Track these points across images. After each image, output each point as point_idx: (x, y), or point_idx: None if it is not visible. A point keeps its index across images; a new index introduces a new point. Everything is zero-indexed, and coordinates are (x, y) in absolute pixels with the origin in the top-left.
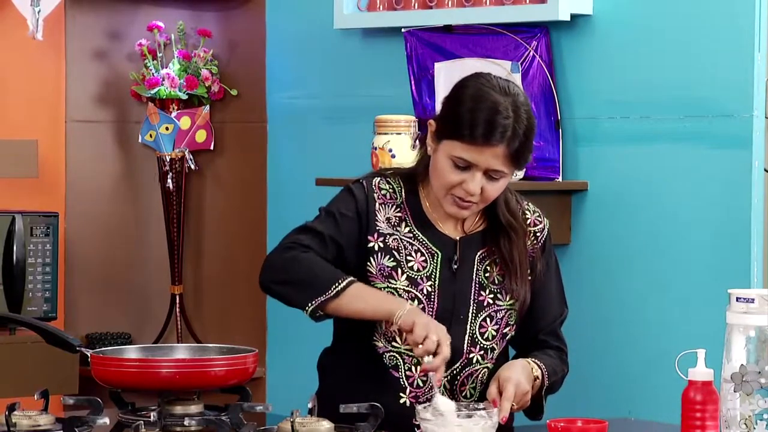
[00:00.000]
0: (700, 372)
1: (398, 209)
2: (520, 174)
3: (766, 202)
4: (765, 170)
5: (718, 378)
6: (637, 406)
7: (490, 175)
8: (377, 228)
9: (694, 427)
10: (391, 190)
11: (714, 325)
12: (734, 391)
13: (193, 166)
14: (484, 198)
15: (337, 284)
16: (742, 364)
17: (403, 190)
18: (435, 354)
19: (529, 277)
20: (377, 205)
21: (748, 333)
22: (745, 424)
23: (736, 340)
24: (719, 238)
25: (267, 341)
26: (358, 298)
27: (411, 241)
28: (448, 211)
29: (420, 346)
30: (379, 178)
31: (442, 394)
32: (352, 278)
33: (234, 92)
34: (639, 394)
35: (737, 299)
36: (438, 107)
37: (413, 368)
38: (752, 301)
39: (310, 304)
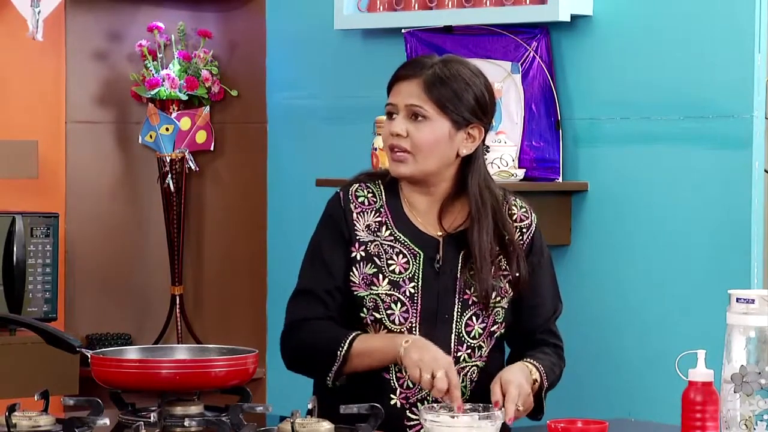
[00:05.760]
0: (700, 372)
1: (378, 214)
2: (520, 174)
3: (766, 203)
4: (765, 171)
5: (718, 379)
6: (637, 406)
7: (413, 113)
8: (357, 237)
9: (694, 428)
10: (370, 195)
11: (714, 325)
12: (734, 392)
13: (193, 167)
14: (415, 145)
15: (340, 350)
16: (742, 365)
17: (383, 192)
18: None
19: (516, 274)
20: (355, 215)
21: (748, 334)
22: (745, 424)
23: (736, 340)
24: (719, 239)
25: (267, 342)
26: (364, 355)
27: (392, 244)
28: (391, 171)
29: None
30: (357, 185)
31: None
32: (351, 336)
33: (234, 93)
34: (639, 395)
35: (737, 300)
36: None
37: (403, 370)
38: (752, 301)
39: (328, 379)
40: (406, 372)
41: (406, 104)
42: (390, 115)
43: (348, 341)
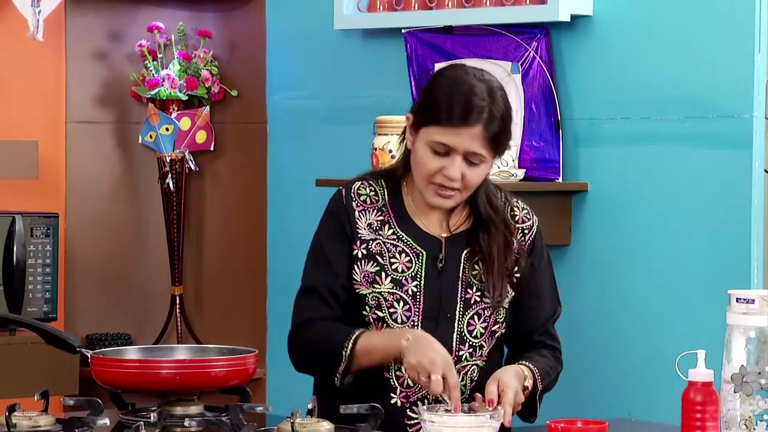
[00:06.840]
0: (700, 373)
1: (380, 212)
2: (520, 174)
3: (766, 203)
4: (765, 171)
5: (718, 379)
6: (637, 406)
7: (469, 159)
8: (359, 236)
9: (694, 428)
10: (372, 194)
11: (714, 325)
12: (734, 392)
13: (193, 167)
14: (466, 185)
15: (344, 350)
16: (742, 365)
17: (385, 192)
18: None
19: (517, 275)
20: (357, 213)
21: (748, 334)
22: (746, 424)
23: (736, 340)
24: (719, 239)
25: (267, 342)
26: (369, 353)
27: (395, 242)
28: (431, 202)
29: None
30: (359, 183)
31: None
32: (355, 334)
33: (234, 93)
34: (639, 395)
35: (737, 300)
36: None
37: (403, 369)
38: (752, 301)
39: (336, 380)
40: (406, 372)
41: (466, 150)
42: (442, 153)
43: (351, 341)
